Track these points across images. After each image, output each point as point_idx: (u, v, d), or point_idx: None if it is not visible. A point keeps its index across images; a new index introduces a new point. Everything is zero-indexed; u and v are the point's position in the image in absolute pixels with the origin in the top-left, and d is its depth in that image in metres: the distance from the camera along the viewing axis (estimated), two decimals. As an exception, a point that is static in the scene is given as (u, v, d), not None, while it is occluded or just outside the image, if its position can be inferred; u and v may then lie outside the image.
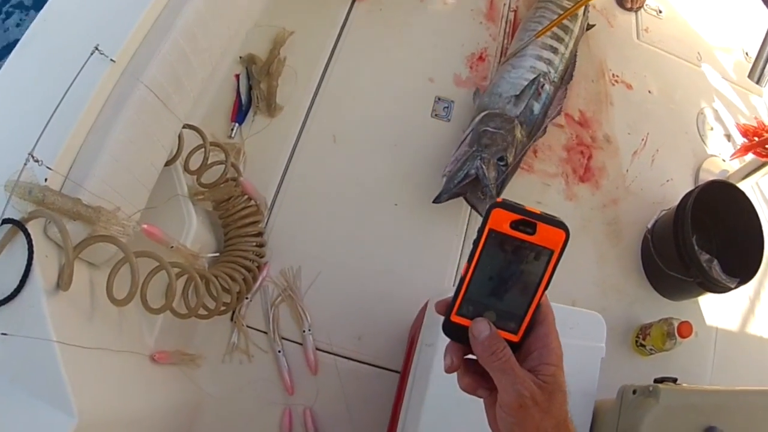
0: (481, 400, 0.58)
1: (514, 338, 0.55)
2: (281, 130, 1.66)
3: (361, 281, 1.54)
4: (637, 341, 1.60)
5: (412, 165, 1.69)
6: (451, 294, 0.56)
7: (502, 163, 1.52)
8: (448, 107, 1.79)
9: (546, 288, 0.54)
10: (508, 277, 0.54)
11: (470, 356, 0.57)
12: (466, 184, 1.51)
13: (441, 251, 1.61)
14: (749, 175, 1.76)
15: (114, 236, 0.99)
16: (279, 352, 1.43)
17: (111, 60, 0.98)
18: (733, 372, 1.67)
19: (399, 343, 1.46)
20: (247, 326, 1.45)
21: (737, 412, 1.07)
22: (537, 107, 1.67)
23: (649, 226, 1.73)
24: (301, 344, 1.45)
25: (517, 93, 1.66)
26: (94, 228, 0.97)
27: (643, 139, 1.91)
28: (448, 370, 0.58)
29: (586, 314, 1.24)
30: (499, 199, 0.52)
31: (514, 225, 0.51)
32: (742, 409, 1.08)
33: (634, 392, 1.10)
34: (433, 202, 1.52)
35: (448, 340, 0.58)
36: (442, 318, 0.57)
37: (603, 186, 1.82)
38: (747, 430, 1.07)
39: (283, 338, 1.45)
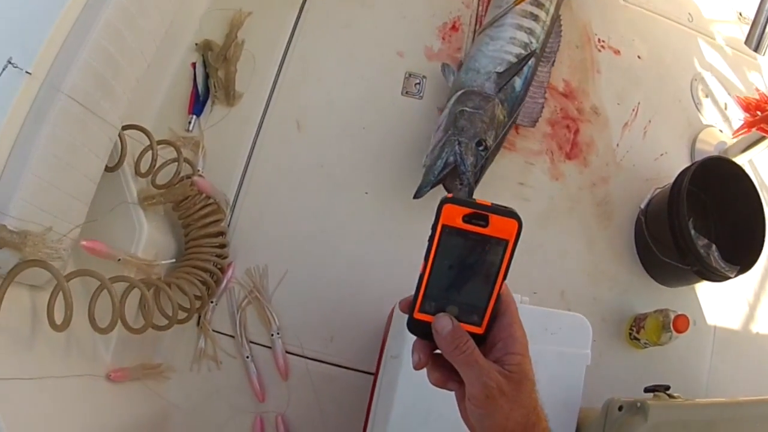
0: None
1: (479, 330, 0.56)
2: (242, 119, 1.54)
3: (331, 278, 1.46)
4: (630, 334, 1.51)
5: (382, 149, 1.58)
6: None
7: (481, 148, 1.40)
8: (419, 83, 1.66)
9: (504, 278, 0.55)
10: (466, 270, 0.55)
11: (438, 351, 0.57)
12: (446, 173, 1.39)
13: (416, 242, 1.50)
14: (747, 149, 1.63)
15: (42, 260, 0.93)
16: (247, 357, 1.37)
17: (27, 72, 0.89)
18: (733, 363, 1.60)
19: (373, 342, 1.38)
20: (214, 331, 1.39)
21: (732, 427, 1.00)
22: (519, 83, 1.54)
23: (642, 206, 1.61)
24: (270, 348, 1.39)
25: (498, 69, 1.52)
26: (22, 254, 0.91)
27: (633, 110, 1.78)
28: (417, 367, 0.59)
29: (569, 317, 1.15)
30: (449, 195, 0.53)
31: (467, 219, 0.53)
32: (737, 422, 1.00)
33: (620, 408, 1.02)
34: (414, 197, 1.39)
35: (413, 345, 0.59)
36: (408, 326, 0.58)
37: (591, 163, 1.70)
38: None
39: (251, 342, 1.39)
